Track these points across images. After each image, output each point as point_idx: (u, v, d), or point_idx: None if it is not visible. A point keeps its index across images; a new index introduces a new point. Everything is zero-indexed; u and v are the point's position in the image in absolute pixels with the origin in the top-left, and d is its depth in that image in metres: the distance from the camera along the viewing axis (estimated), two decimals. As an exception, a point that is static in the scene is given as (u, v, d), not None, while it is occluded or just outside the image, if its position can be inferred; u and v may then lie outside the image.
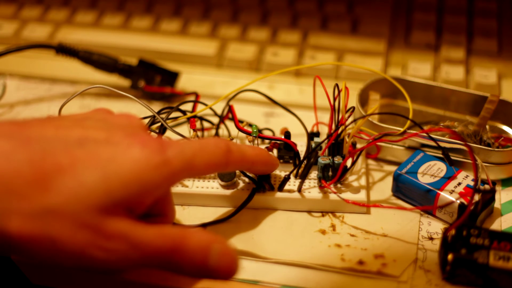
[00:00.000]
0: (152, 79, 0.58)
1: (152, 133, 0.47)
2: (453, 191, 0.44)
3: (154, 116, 0.47)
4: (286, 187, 0.46)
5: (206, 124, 0.51)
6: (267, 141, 0.50)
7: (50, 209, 0.32)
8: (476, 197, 0.43)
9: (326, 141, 0.45)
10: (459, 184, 0.45)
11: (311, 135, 0.49)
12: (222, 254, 0.35)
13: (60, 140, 0.34)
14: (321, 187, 0.46)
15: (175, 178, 0.36)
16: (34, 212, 0.32)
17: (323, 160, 0.45)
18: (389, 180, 0.48)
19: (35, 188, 0.32)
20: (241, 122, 0.49)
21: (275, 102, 0.53)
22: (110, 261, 0.33)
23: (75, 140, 0.34)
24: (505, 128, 0.52)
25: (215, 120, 0.51)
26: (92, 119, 0.37)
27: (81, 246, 0.33)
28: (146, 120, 0.47)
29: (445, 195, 0.44)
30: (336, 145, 0.46)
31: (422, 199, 0.45)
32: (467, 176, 0.45)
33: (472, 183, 0.45)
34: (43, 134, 0.34)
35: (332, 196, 0.45)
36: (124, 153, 0.34)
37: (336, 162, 0.45)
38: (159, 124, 0.47)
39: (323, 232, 0.44)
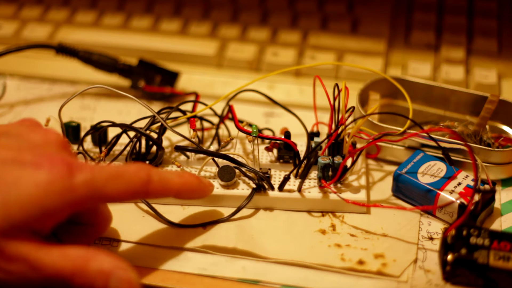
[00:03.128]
0: (152, 79, 0.58)
1: (146, 129, 0.46)
2: (453, 191, 0.44)
3: (154, 116, 0.47)
4: (286, 187, 0.46)
5: (206, 124, 0.51)
6: (267, 140, 0.50)
7: None
8: (476, 197, 0.43)
9: (326, 141, 0.45)
10: (459, 184, 0.45)
11: (311, 135, 0.49)
12: (123, 281, 0.35)
13: None
14: (321, 187, 0.46)
15: (80, 204, 0.36)
16: None
17: (323, 160, 0.45)
18: (389, 180, 0.48)
19: None
20: (241, 122, 0.49)
21: (275, 102, 0.53)
22: (10, 281, 0.34)
23: None
24: (505, 128, 0.52)
25: (215, 120, 0.51)
26: (7, 135, 0.37)
27: None
28: (145, 119, 0.47)
29: (445, 195, 0.44)
30: (336, 145, 0.46)
31: (422, 199, 0.45)
32: (467, 176, 0.45)
33: (472, 183, 0.45)
34: None
35: (332, 196, 0.45)
36: (29, 175, 0.34)
37: (336, 162, 0.45)
38: (159, 124, 0.47)
39: (323, 232, 0.44)
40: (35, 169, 0.35)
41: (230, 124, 0.51)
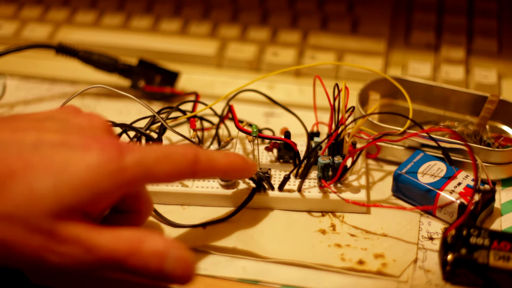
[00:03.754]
0: (152, 79, 0.58)
1: (146, 129, 0.46)
2: (453, 191, 0.44)
3: (154, 116, 0.47)
4: (286, 186, 0.46)
5: (206, 124, 0.51)
6: (267, 140, 0.50)
7: (2, 215, 0.32)
8: (476, 197, 0.43)
9: (326, 141, 0.45)
10: (459, 184, 0.45)
11: (311, 135, 0.49)
12: (179, 260, 0.34)
13: (15, 143, 0.34)
14: (321, 186, 0.46)
15: (132, 185, 0.36)
16: None
17: (323, 159, 0.45)
18: (389, 180, 0.48)
19: None
20: (241, 122, 0.49)
21: (275, 102, 0.53)
22: (64, 264, 0.33)
23: (30, 144, 0.34)
24: (505, 128, 0.52)
25: (215, 120, 0.51)
26: (53, 119, 0.37)
27: (35, 250, 0.33)
28: (145, 119, 0.47)
29: (445, 195, 0.44)
30: (336, 144, 0.46)
31: (422, 199, 0.45)
32: (467, 176, 0.45)
33: (472, 183, 0.45)
34: None
35: (332, 196, 0.45)
36: (79, 157, 0.34)
37: (336, 161, 0.45)
38: (159, 124, 0.47)
39: (323, 232, 0.44)
40: (85, 151, 0.34)
41: (230, 124, 0.51)
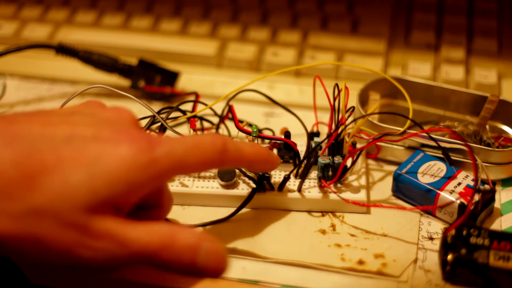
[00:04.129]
0: (152, 79, 0.58)
1: (146, 129, 0.47)
2: (453, 191, 0.44)
3: (154, 116, 0.47)
4: (286, 186, 0.46)
5: (206, 124, 0.51)
6: (267, 141, 0.50)
7: (35, 209, 0.32)
8: (476, 197, 0.43)
9: (326, 141, 0.45)
10: (459, 184, 0.45)
11: (311, 135, 0.49)
12: (211, 252, 0.34)
13: (46, 137, 0.34)
14: (321, 186, 0.46)
15: (164, 177, 0.36)
16: (19, 212, 0.32)
17: (323, 159, 0.45)
18: (389, 180, 0.48)
19: (20, 187, 0.32)
20: (241, 122, 0.49)
21: (275, 102, 0.53)
22: (97, 259, 0.33)
23: (62, 138, 0.34)
24: (505, 128, 0.52)
25: (215, 120, 0.51)
26: (81, 113, 0.37)
27: (67, 245, 0.32)
28: (145, 119, 0.47)
29: (445, 195, 0.44)
30: (336, 144, 0.46)
31: (422, 199, 0.45)
32: (467, 176, 0.45)
33: (472, 183, 0.45)
34: (30, 131, 0.34)
35: (332, 196, 0.45)
36: (111, 151, 0.34)
37: (336, 161, 0.45)
38: (159, 124, 0.47)
39: (323, 232, 0.44)
40: (116, 144, 0.34)
41: (230, 124, 0.51)
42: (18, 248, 0.32)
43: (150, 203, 0.39)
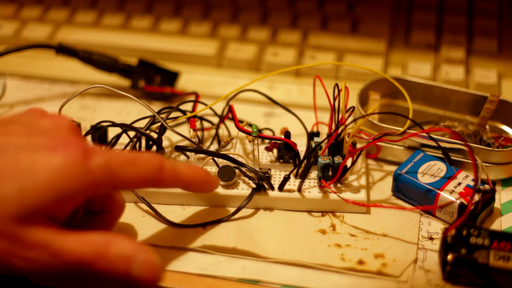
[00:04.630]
0: (152, 79, 0.58)
1: (146, 129, 0.46)
2: (453, 191, 0.44)
3: (154, 116, 0.47)
4: (286, 187, 0.46)
5: (206, 124, 0.51)
6: (267, 140, 0.50)
7: None
8: (476, 197, 0.43)
9: (326, 141, 0.45)
10: (459, 184, 0.45)
11: (311, 135, 0.49)
12: (145, 263, 0.34)
13: None
14: (321, 187, 0.46)
15: (97, 188, 0.35)
16: None
17: (323, 160, 0.45)
18: (389, 180, 0.48)
19: None
20: (241, 122, 0.49)
21: (275, 102, 0.53)
22: (30, 269, 0.33)
23: None
24: (505, 128, 0.52)
25: (215, 120, 0.51)
26: (17, 123, 0.37)
27: (0, 255, 0.33)
28: (145, 119, 0.47)
29: (445, 195, 0.44)
30: (336, 145, 0.46)
31: (422, 199, 0.45)
32: (467, 176, 0.45)
33: (472, 183, 0.45)
34: None
35: (332, 196, 0.45)
36: (43, 160, 0.34)
37: (336, 162, 0.45)
38: (159, 124, 0.47)
39: (323, 232, 0.44)
40: (50, 153, 0.34)
41: (230, 124, 0.51)
42: None
43: (96, 208, 0.39)
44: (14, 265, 0.33)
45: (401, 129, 0.46)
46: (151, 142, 0.47)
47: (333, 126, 0.45)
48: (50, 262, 0.33)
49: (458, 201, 0.43)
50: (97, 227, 0.39)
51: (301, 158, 0.47)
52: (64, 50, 0.58)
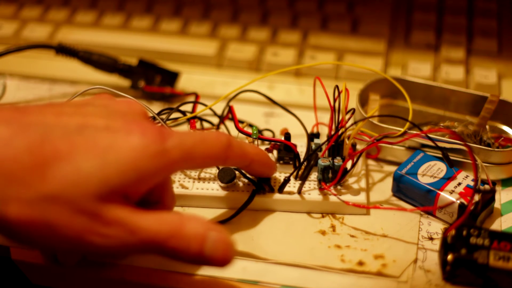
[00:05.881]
0: (152, 79, 0.58)
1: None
2: (453, 191, 0.44)
3: (154, 117, 0.47)
4: (286, 188, 0.46)
5: (206, 125, 0.51)
6: (267, 142, 0.50)
7: (47, 196, 0.32)
8: (476, 197, 0.43)
9: (326, 143, 0.45)
10: (459, 184, 0.45)
11: (311, 136, 0.49)
12: (218, 241, 0.35)
13: (59, 126, 0.34)
14: (321, 189, 0.46)
15: (173, 167, 0.37)
16: (32, 198, 0.32)
17: (323, 162, 0.45)
18: (389, 181, 0.48)
19: (33, 174, 0.32)
20: (241, 122, 0.49)
21: (275, 102, 0.53)
22: (107, 246, 0.34)
23: (75, 127, 0.34)
24: (505, 128, 0.52)
25: (215, 120, 0.51)
26: (93, 105, 0.37)
27: (78, 231, 0.33)
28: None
29: (445, 195, 0.44)
30: (336, 146, 0.46)
31: (422, 199, 0.45)
32: (467, 176, 0.45)
33: (472, 183, 0.45)
34: (43, 120, 0.34)
35: (332, 198, 0.45)
36: (123, 140, 0.34)
37: (336, 164, 0.45)
38: (159, 124, 0.47)
39: (323, 233, 0.44)
40: (128, 134, 0.35)
41: (230, 125, 0.51)
42: (30, 233, 0.33)
43: (153, 199, 0.39)
44: (91, 242, 0.33)
45: (401, 130, 0.46)
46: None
47: (333, 128, 0.45)
48: (127, 239, 0.34)
49: (458, 201, 0.43)
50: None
51: (301, 160, 0.47)
52: (64, 50, 0.58)
